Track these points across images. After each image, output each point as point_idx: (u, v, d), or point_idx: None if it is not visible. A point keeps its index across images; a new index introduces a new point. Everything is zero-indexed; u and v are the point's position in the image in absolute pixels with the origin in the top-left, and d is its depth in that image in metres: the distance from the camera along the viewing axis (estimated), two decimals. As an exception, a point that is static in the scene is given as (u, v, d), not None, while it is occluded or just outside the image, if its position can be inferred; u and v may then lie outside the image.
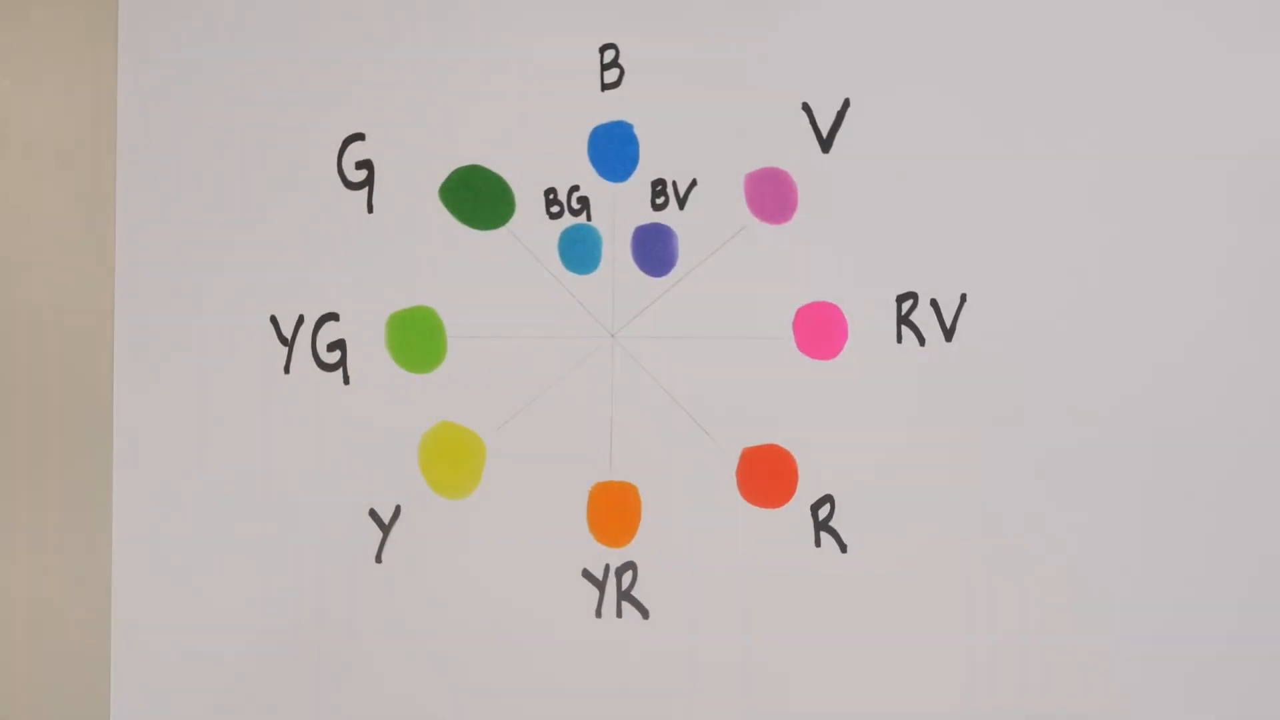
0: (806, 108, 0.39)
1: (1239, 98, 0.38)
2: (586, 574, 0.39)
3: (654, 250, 0.39)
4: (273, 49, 0.40)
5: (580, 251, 0.39)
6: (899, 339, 0.39)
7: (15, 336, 0.41)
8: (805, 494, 0.39)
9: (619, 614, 0.39)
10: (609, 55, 0.40)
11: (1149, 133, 0.39)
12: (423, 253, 0.40)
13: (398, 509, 0.39)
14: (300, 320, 0.40)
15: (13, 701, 0.40)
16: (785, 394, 0.39)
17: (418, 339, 0.40)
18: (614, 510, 0.39)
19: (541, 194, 0.40)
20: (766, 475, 0.39)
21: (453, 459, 0.39)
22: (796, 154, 0.39)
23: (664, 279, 0.39)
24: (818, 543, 0.38)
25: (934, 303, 0.39)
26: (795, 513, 0.39)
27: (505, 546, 0.39)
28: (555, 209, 0.39)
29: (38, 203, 0.41)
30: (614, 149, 0.39)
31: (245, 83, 0.40)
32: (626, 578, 0.39)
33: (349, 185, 0.40)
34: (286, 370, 0.40)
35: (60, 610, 0.40)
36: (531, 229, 0.40)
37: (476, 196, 0.40)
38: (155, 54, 0.41)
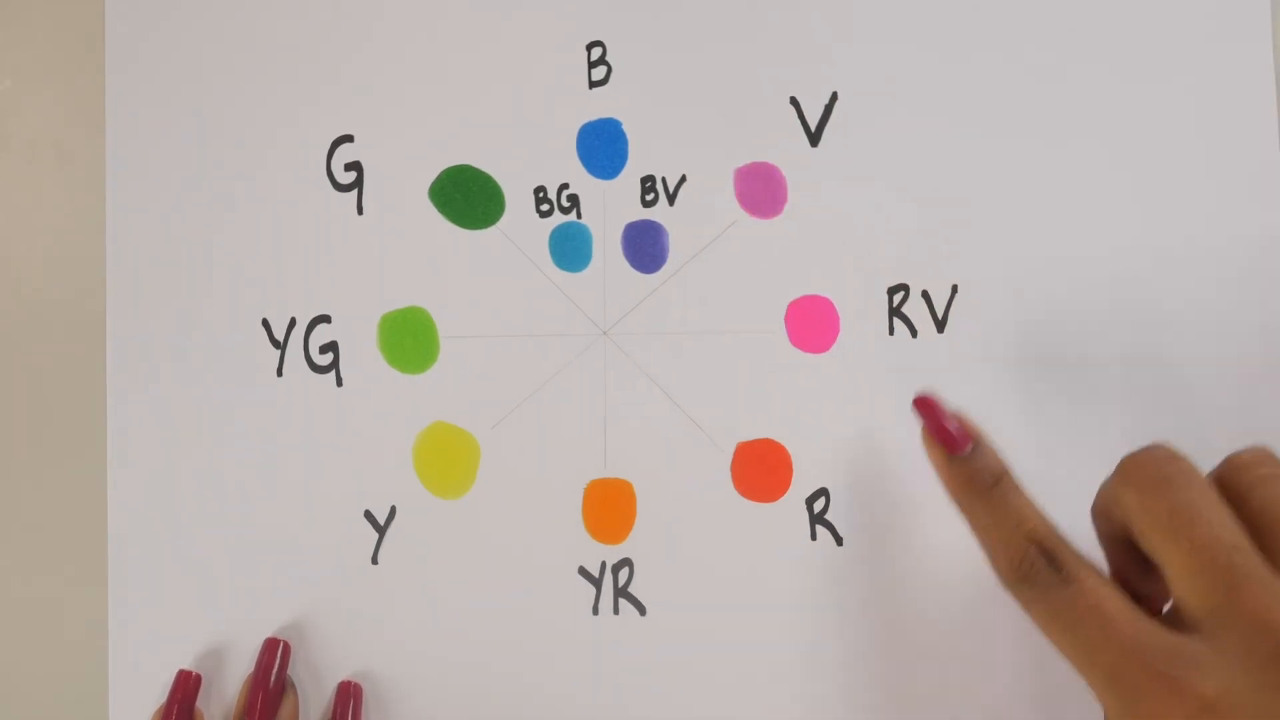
0: (794, 102, 0.39)
1: (1231, 91, 0.39)
2: (583, 571, 0.39)
3: (645, 247, 0.39)
4: (259, 50, 0.40)
5: (571, 249, 0.39)
6: (891, 331, 0.39)
7: (8, 340, 0.41)
8: (800, 487, 0.39)
9: (616, 611, 0.39)
10: (596, 53, 0.40)
11: (1142, 125, 0.39)
12: (413, 253, 0.40)
13: (393, 510, 0.39)
14: (292, 323, 0.40)
15: (10, 705, 0.40)
16: (778, 388, 0.39)
17: (410, 340, 0.40)
18: (609, 507, 0.39)
19: (531, 192, 0.40)
20: (761, 469, 0.39)
21: (447, 459, 0.39)
22: (785, 148, 0.39)
23: (655, 275, 0.39)
24: (813, 536, 0.39)
25: (925, 294, 0.39)
26: (790, 506, 0.39)
27: (501, 545, 0.39)
28: (545, 207, 0.40)
29: (30, 205, 0.41)
30: (603, 146, 0.39)
31: (233, 85, 0.40)
32: (623, 574, 0.39)
33: (338, 187, 0.40)
34: (279, 373, 0.40)
35: (56, 612, 0.40)
36: (522, 228, 0.40)
37: (466, 196, 0.40)
38: (142, 57, 0.41)
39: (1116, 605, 0.25)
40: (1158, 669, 0.23)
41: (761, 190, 0.39)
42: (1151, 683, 0.23)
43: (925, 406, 0.30)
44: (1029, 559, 0.26)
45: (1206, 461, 0.37)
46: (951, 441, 0.29)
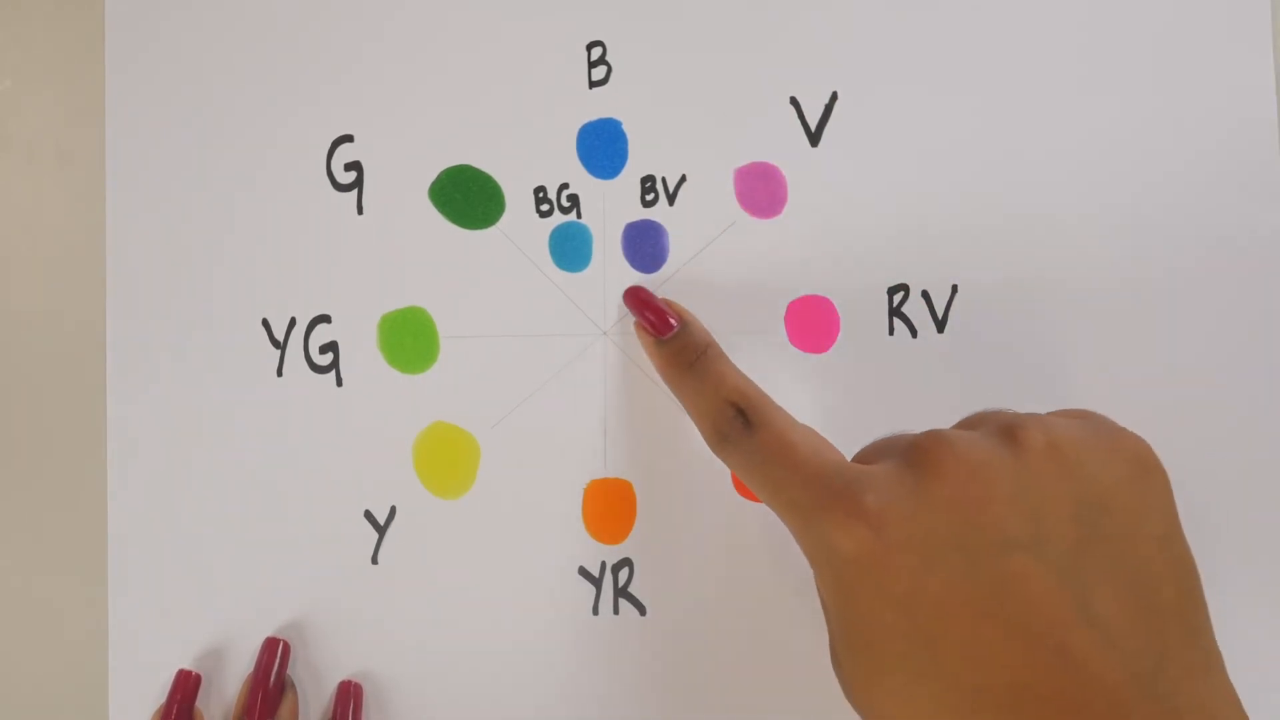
0: (794, 102, 0.39)
1: (1231, 91, 0.39)
2: (583, 571, 0.39)
3: (644, 247, 0.39)
4: (260, 51, 0.40)
5: (571, 249, 0.40)
6: (891, 331, 0.39)
7: (7, 340, 0.41)
8: (800, 488, 0.39)
9: (616, 611, 0.39)
10: (596, 53, 0.40)
11: (1142, 125, 0.39)
12: (413, 253, 0.40)
13: (393, 510, 0.39)
14: (292, 323, 0.40)
15: (10, 705, 0.40)
16: (778, 388, 0.39)
17: (410, 340, 0.40)
18: (609, 507, 0.39)
19: (531, 192, 0.40)
20: (761, 469, 0.39)
21: (447, 459, 0.39)
22: (785, 148, 0.39)
23: (655, 275, 0.39)
24: (813, 536, 0.38)
25: (925, 294, 0.39)
26: (790, 506, 0.39)
27: (501, 545, 0.39)
28: (545, 207, 0.40)
29: (30, 205, 0.41)
30: (603, 146, 0.39)
31: (233, 85, 0.40)
32: (623, 574, 0.39)
33: (338, 187, 0.40)
34: (279, 373, 0.40)
35: (56, 612, 0.40)
36: (522, 228, 0.40)
37: (466, 196, 0.40)
38: (142, 57, 0.41)
39: (801, 444, 0.27)
40: (832, 490, 0.25)
41: (761, 190, 0.39)
42: (826, 502, 0.25)
43: (634, 297, 0.32)
44: (725, 418, 0.28)
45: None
46: (657, 326, 0.30)
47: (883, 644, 0.24)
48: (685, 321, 0.30)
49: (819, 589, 0.27)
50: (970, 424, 0.28)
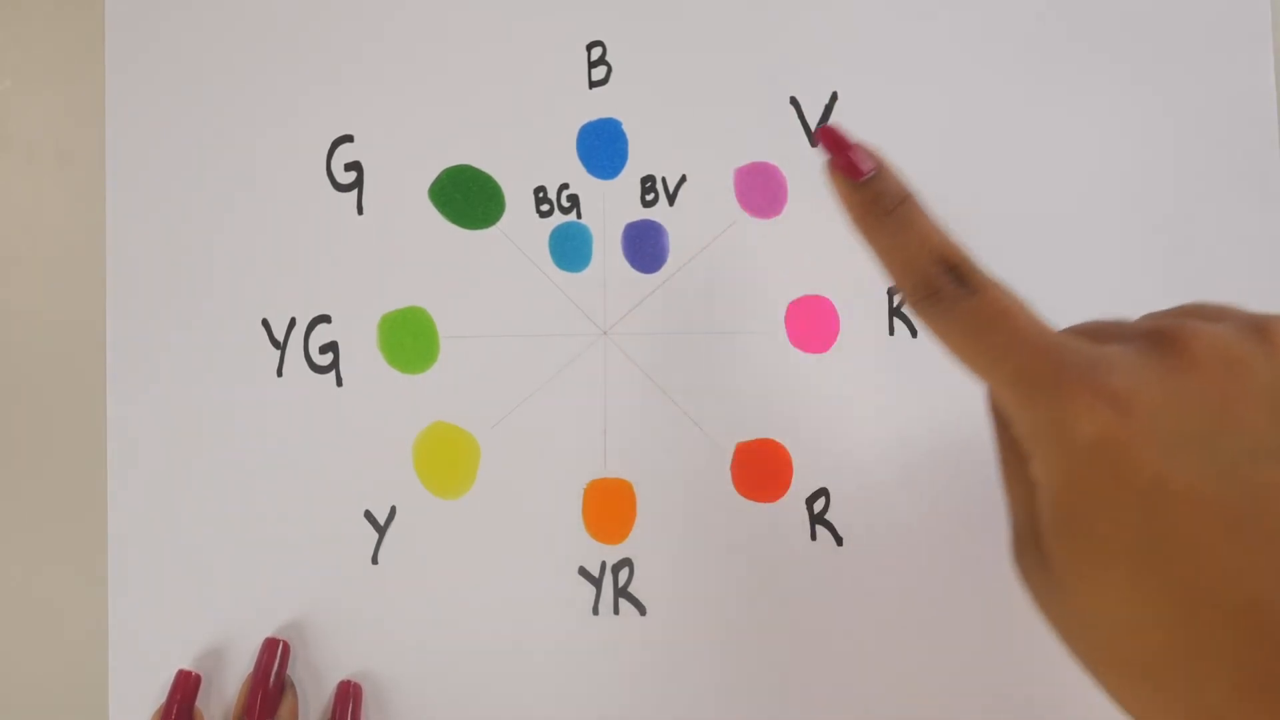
0: (794, 102, 0.39)
1: (1231, 91, 0.39)
2: (583, 571, 0.39)
3: (644, 247, 0.39)
4: (259, 51, 0.40)
5: (571, 249, 0.40)
6: (891, 331, 0.39)
7: (8, 340, 0.41)
8: (800, 487, 0.39)
9: (616, 611, 0.39)
10: (596, 53, 0.40)
11: (1143, 125, 0.39)
12: (413, 253, 0.40)
13: (393, 510, 0.39)
14: (292, 323, 0.40)
15: (10, 705, 0.40)
16: (778, 388, 0.39)
17: (410, 340, 0.40)
18: (609, 507, 0.39)
19: (531, 192, 0.40)
20: (761, 469, 0.39)
21: (447, 459, 0.39)
22: (785, 148, 0.39)
23: (655, 275, 0.39)
24: (813, 536, 0.39)
25: (925, 294, 0.39)
26: (790, 506, 0.39)
27: (501, 545, 0.39)
28: (545, 207, 0.40)
29: (30, 205, 0.41)
30: (603, 146, 0.39)
31: (233, 85, 0.40)
32: (623, 574, 0.39)
33: (338, 187, 0.40)
34: (279, 373, 0.40)
35: (56, 612, 0.40)
36: (522, 228, 0.40)
37: (466, 196, 0.40)
38: (142, 57, 0.41)
39: (1025, 312, 0.25)
40: (1068, 364, 0.23)
41: (761, 190, 0.39)
42: (1061, 377, 0.23)
43: (828, 136, 0.29)
44: (934, 275, 0.25)
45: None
46: (853, 168, 0.28)
47: (1112, 536, 0.22)
48: (882, 167, 0.28)
49: (1032, 470, 0.24)
50: (1202, 315, 0.26)
